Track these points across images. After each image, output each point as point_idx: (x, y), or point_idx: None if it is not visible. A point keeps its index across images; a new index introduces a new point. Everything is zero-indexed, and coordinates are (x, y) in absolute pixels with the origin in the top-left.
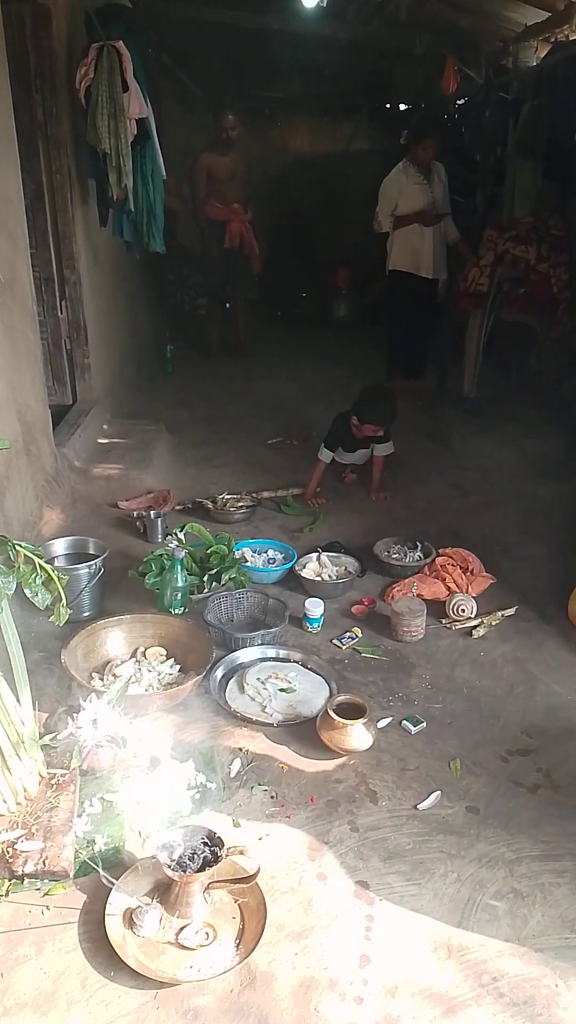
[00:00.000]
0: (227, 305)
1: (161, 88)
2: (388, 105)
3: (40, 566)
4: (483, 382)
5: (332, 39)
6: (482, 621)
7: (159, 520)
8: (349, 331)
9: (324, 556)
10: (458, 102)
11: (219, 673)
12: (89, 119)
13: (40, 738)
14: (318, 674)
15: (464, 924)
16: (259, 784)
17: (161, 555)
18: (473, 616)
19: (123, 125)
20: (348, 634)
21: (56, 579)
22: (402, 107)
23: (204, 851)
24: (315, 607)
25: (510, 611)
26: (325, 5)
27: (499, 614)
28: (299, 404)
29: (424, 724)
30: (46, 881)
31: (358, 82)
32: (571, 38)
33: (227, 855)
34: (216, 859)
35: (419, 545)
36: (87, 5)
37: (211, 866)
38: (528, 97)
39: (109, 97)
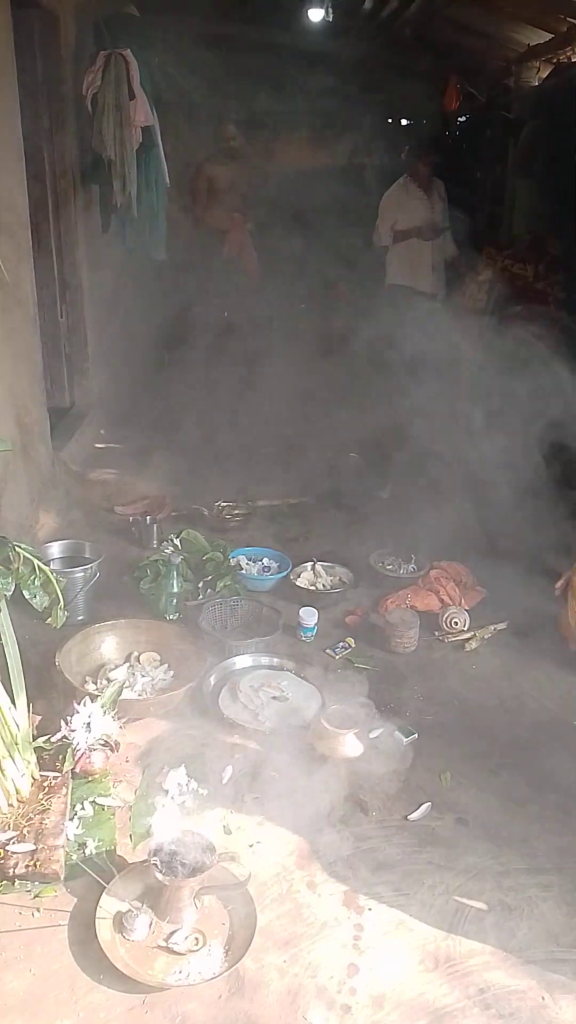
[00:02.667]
0: (225, 314)
1: (166, 98)
2: (390, 121)
3: (39, 568)
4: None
5: (337, 56)
6: (474, 634)
7: (155, 526)
8: (347, 344)
9: (319, 566)
10: (459, 120)
11: (212, 680)
12: (95, 126)
13: (33, 740)
14: (310, 683)
15: (452, 935)
16: (250, 791)
17: (156, 561)
18: (466, 629)
19: (128, 133)
20: (341, 644)
21: (54, 581)
22: (404, 123)
23: (195, 857)
24: (309, 616)
25: (502, 625)
26: (331, 20)
27: (491, 628)
28: (296, 411)
29: (415, 735)
30: (37, 883)
31: (360, 98)
32: (573, 59)
33: (218, 861)
34: (207, 865)
35: (413, 557)
36: (95, 13)
37: (201, 872)
38: (528, 117)
39: (115, 104)
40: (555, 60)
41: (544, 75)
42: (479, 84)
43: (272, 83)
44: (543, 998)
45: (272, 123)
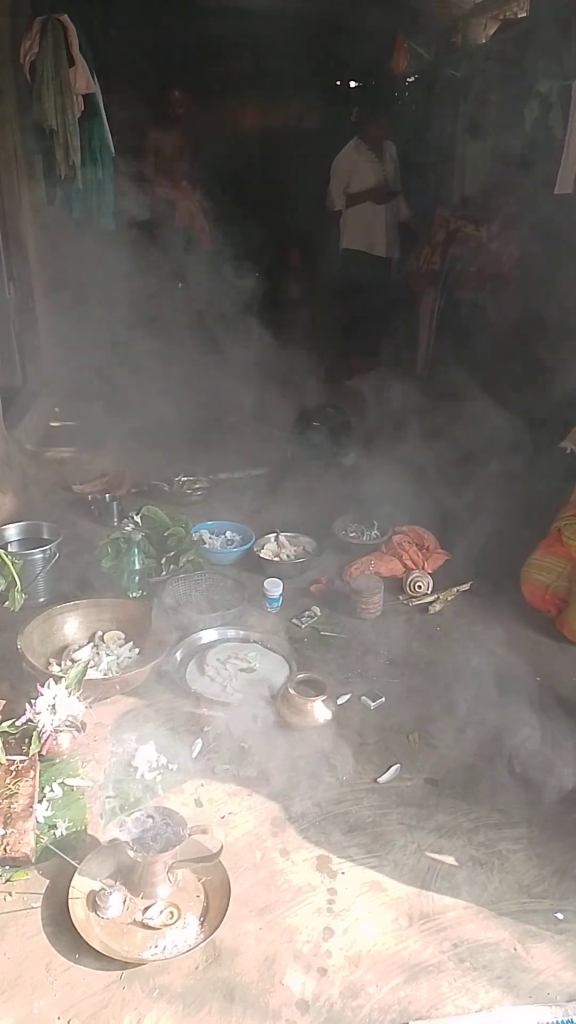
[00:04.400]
0: (179, 285)
1: (108, 64)
2: (338, 83)
3: None
4: (435, 362)
5: (280, 14)
6: (438, 597)
7: (114, 503)
8: (302, 310)
9: (282, 536)
10: (408, 80)
11: (178, 655)
12: (34, 95)
13: None
14: (278, 653)
15: (425, 893)
16: (220, 763)
17: (117, 538)
18: (429, 592)
19: (70, 101)
20: (307, 613)
21: (10, 564)
22: (352, 85)
23: (167, 831)
24: (274, 587)
25: (465, 586)
26: None
27: (454, 589)
28: (254, 381)
29: (383, 699)
30: (8, 867)
31: (308, 59)
32: (519, 15)
33: (190, 835)
34: (179, 839)
35: (376, 523)
36: None
37: (174, 846)
38: (477, 75)
39: (55, 72)
40: (501, 16)
41: (491, 32)
42: (426, 43)
43: (219, 46)
44: (515, 948)
45: (219, 88)
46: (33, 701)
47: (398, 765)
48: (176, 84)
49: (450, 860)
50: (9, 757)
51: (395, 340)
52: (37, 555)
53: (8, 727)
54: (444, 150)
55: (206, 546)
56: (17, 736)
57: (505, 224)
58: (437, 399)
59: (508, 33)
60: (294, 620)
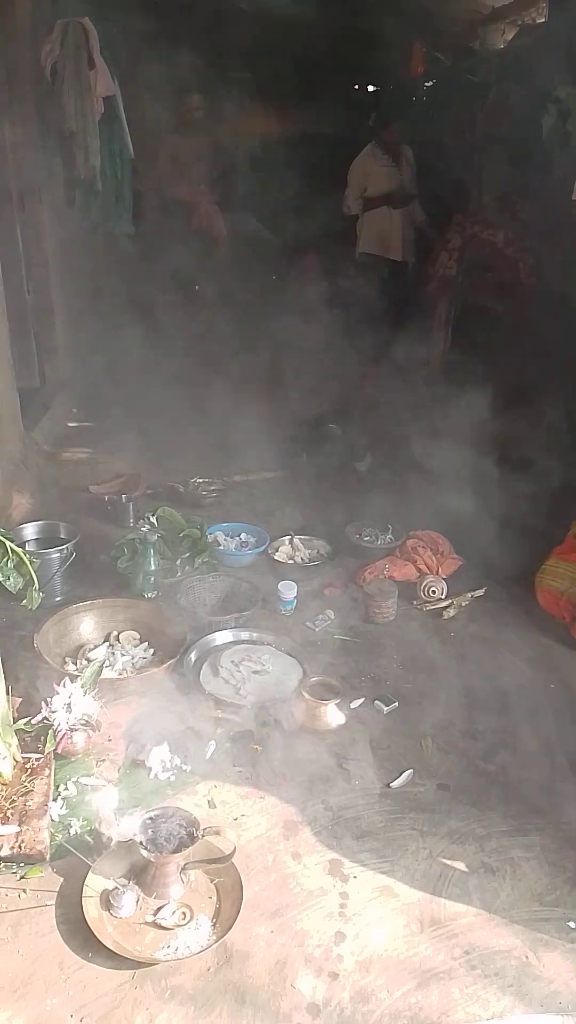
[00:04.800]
0: (196, 288)
1: (128, 67)
2: (356, 87)
3: (12, 549)
4: (450, 367)
5: (299, 19)
6: (452, 602)
7: (130, 504)
8: (316, 314)
9: (297, 539)
10: (426, 85)
11: (193, 656)
12: (55, 97)
13: (14, 723)
14: (291, 656)
15: (436, 899)
16: (233, 765)
17: (133, 539)
18: (443, 597)
19: (89, 103)
20: (321, 616)
21: (28, 562)
22: (370, 89)
23: (180, 832)
24: (288, 590)
25: (479, 592)
26: None
27: (469, 595)
28: (268, 384)
29: (396, 704)
30: (22, 865)
31: (327, 65)
32: (538, 20)
33: (203, 836)
34: (192, 840)
35: (390, 527)
36: None
37: (187, 847)
38: (495, 80)
39: (75, 75)
40: (520, 22)
41: (509, 37)
42: (444, 48)
43: (238, 51)
44: (527, 956)
45: (237, 92)
46: (49, 699)
47: (411, 770)
48: (195, 88)
49: (461, 866)
50: (25, 755)
51: (410, 345)
52: (54, 555)
53: (24, 725)
54: (461, 155)
55: (221, 548)
56: (33, 734)
57: (522, 230)
58: (451, 404)
59: (526, 38)
60: (308, 623)
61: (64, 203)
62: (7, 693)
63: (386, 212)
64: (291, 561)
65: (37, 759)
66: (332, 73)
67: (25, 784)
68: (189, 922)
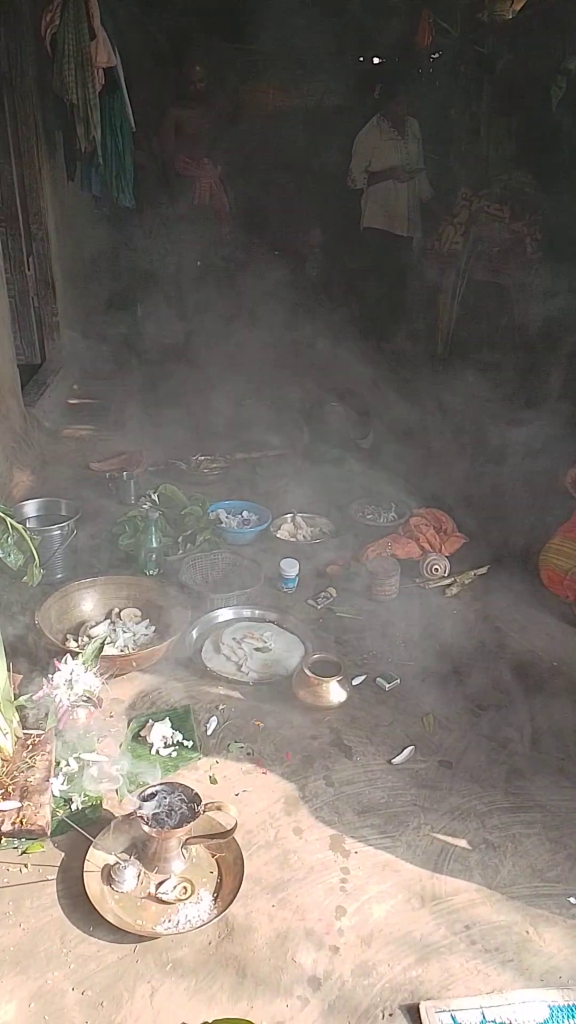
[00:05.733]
0: (198, 263)
1: (130, 38)
2: (361, 59)
3: (12, 526)
4: (456, 342)
5: None
6: (455, 580)
7: (132, 481)
8: (321, 289)
9: (299, 517)
10: (432, 56)
11: (194, 633)
12: (55, 68)
13: (15, 699)
14: (293, 633)
15: (437, 875)
16: (235, 741)
17: (135, 516)
18: (446, 575)
19: (90, 74)
20: (323, 594)
21: (28, 539)
22: (375, 61)
23: (181, 807)
24: (290, 567)
25: (482, 570)
26: None
27: (472, 573)
28: (272, 361)
29: (398, 681)
30: (24, 840)
31: (331, 36)
32: None
33: (204, 811)
34: (193, 815)
35: (393, 505)
36: None
37: (189, 822)
38: (503, 52)
39: (76, 45)
40: None
41: (518, 7)
42: (452, 18)
43: (241, 21)
44: (527, 931)
45: (241, 63)
46: (50, 676)
47: (412, 747)
48: (197, 59)
49: (463, 843)
50: (26, 731)
51: (415, 320)
52: (55, 532)
53: (26, 701)
54: (468, 128)
55: (223, 525)
56: (35, 710)
57: (529, 205)
58: (457, 380)
59: (535, 9)
60: (310, 601)
61: (65, 175)
62: (8, 669)
63: (391, 186)
64: (293, 539)
65: (39, 735)
66: (337, 44)
67: (26, 760)
68: (190, 896)
